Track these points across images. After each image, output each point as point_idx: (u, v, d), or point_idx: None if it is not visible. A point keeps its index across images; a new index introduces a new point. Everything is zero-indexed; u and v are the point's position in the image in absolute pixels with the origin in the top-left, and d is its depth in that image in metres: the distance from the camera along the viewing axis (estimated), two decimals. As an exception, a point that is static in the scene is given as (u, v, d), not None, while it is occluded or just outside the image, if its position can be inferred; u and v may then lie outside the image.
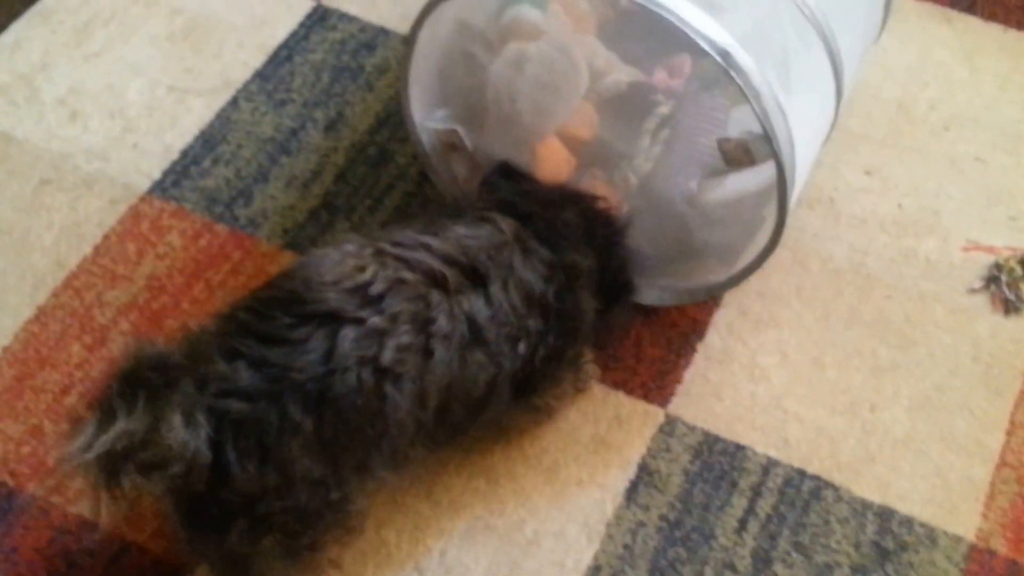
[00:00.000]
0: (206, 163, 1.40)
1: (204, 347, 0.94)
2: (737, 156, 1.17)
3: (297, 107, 1.46)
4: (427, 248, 1.01)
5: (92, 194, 1.37)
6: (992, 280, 1.34)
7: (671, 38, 1.08)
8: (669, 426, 1.22)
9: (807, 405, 1.24)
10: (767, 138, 1.09)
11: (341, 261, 0.98)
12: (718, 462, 1.20)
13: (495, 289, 1.01)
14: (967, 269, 1.35)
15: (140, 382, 0.86)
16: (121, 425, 0.84)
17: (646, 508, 1.17)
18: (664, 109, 1.26)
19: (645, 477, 1.18)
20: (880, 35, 1.39)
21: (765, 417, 1.23)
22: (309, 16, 1.54)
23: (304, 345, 0.92)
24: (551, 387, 1.13)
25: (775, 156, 1.10)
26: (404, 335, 0.95)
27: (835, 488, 1.19)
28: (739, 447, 1.21)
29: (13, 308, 1.27)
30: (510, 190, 1.15)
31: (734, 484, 1.18)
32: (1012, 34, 1.56)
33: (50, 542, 1.12)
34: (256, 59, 1.50)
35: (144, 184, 1.38)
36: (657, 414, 1.23)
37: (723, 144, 1.17)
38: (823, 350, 1.28)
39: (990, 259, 1.36)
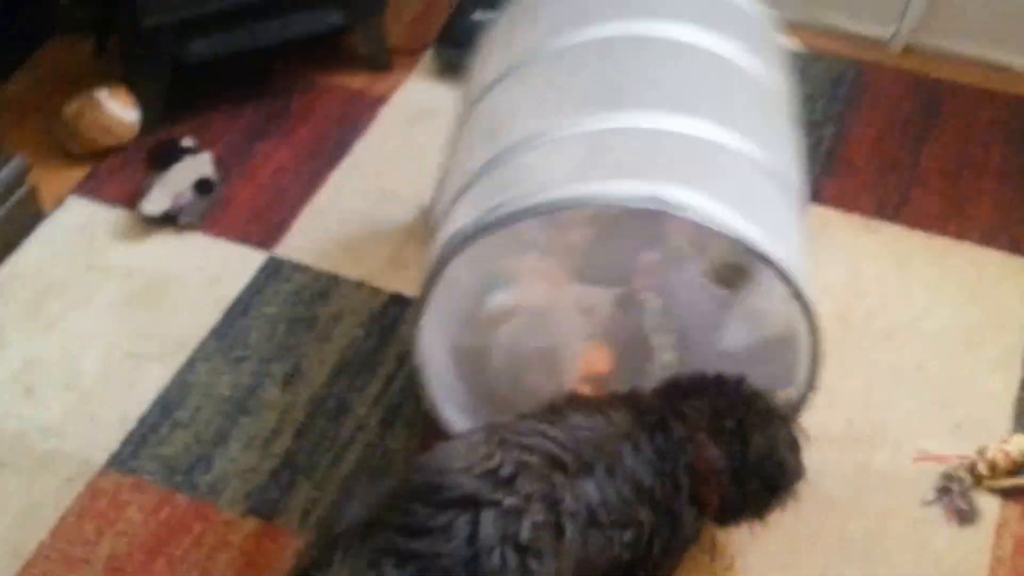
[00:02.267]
0: (164, 429, 1.40)
1: (352, 553, 0.98)
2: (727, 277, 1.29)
3: (254, 364, 1.47)
4: (544, 435, 1.08)
5: (48, 473, 1.36)
6: (944, 491, 1.37)
7: (633, 234, 1.18)
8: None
9: (779, 639, 1.24)
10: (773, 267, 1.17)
11: (470, 449, 1.04)
12: None
13: (600, 476, 1.07)
14: (920, 480, 1.38)
15: None
16: None
17: None
18: (654, 303, 1.34)
19: None
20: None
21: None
22: (263, 269, 1.58)
23: (447, 532, 0.97)
24: None
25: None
26: (538, 513, 1.01)
27: None
28: None
29: (-32, 606, 1.25)
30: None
31: None
32: (937, 240, 1.63)
33: None
34: (211, 317, 1.52)
35: (102, 457, 1.37)
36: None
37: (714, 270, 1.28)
38: (790, 578, 1.29)
39: (940, 468, 1.39)
